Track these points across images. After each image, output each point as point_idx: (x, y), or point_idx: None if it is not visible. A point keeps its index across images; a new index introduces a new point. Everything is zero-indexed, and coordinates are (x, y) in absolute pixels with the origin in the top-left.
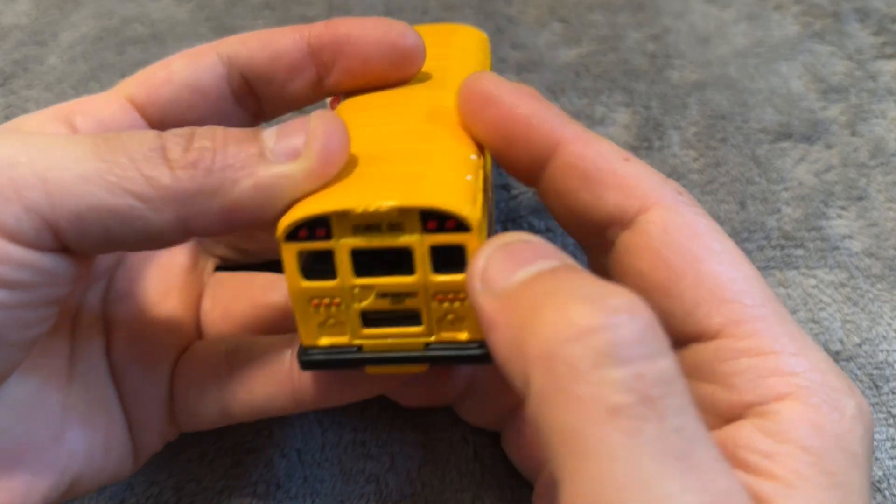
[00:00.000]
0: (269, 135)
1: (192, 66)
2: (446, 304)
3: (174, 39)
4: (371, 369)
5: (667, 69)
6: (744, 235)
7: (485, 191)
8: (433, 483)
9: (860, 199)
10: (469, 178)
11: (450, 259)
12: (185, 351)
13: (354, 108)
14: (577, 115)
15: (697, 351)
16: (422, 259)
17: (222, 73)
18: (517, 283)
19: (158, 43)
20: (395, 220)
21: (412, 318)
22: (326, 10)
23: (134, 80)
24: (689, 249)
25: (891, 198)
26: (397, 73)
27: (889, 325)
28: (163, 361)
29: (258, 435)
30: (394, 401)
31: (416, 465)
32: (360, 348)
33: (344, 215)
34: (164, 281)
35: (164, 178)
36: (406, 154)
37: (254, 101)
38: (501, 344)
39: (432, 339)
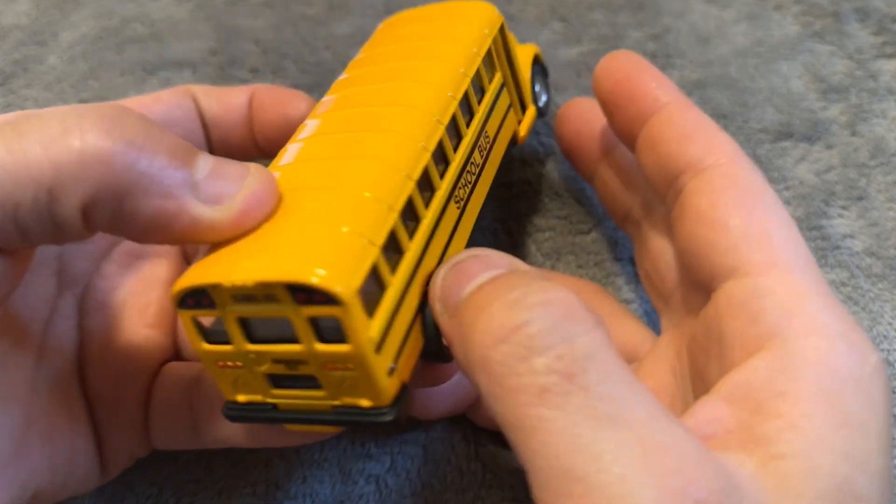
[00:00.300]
0: (205, 164)
1: (165, 104)
2: (338, 373)
3: (174, 39)
4: (289, 426)
5: (667, 69)
6: None
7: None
8: (433, 483)
9: (860, 198)
10: (359, 235)
11: (334, 328)
12: (159, 370)
13: (328, 102)
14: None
15: (733, 286)
16: (303, 329)
17: (193, 108)
18: (463, 299)
19: (158, 42)
20: (268, 293)
21: (314, 381)
22: (326, 9)
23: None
24: (744, 196)
25: (891, 197)
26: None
27: (890, 324)
28: (137, 380)
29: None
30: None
31: (415, 465)
32: (274, 406)
33: (218, 288)
34: (144, 294)
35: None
36: (308, 200)
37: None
38: (458, 357)
39: (336, 402)
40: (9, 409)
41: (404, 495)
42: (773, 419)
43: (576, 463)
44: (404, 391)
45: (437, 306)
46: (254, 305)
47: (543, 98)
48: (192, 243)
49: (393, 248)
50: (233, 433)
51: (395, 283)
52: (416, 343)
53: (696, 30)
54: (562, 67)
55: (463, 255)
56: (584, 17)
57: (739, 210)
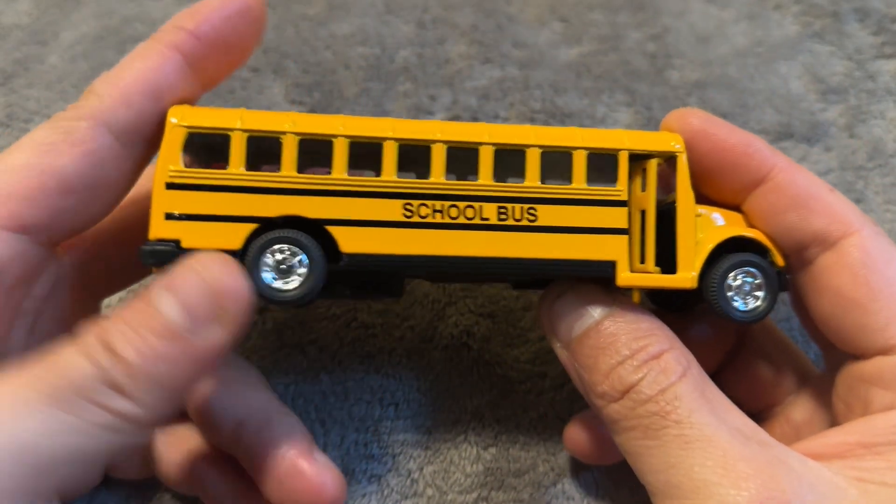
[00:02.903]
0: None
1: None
2: None
3: None
4: None
5: (667, 69)
6: None
7: None
8: (437, 483)
9: (858, 201)
10: None
11: None
12: None
13: None
14: (579, 115)
15: (883, 362)
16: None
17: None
18: (574, 339)
19: None
20: None
21: None
22: (326, 9)
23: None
24: (887, 273)
25: (888, 199)
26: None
27: None
28: None
29: None
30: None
31: (418, 465)
32: None
33: None
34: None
35: (117, 402)
36: None
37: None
38: (578, 385)
39: None
40: None
41: (406, 495)
42: (878, 458)
43: (672, 477)
44: None
45: (546, 329)
46: None
47: (740, 306)
48: None
49: None
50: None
51: None
52: None
53: (695, 30)
54: (562, 68)
55: (566, 287)
56: (584, 16)
57: (882, 288)
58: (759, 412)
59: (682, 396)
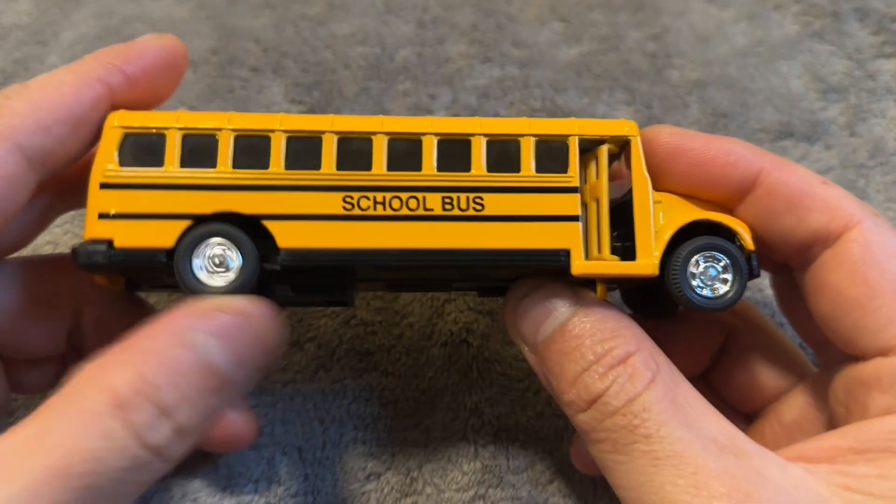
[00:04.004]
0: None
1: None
2: None
3: None
4: None
5: (667, 68)
6: None
7: None
8: (434, 481)
9: (859, 199)
10: None
11: None
12: None
13: None
14: (579, 114)
15: (881, 364)
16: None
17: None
18: (541, 342)
19: None
20: None
21: None
22: (326, 8)
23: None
24: (888, 268)
25: (889, 197)
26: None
27: None
28: None
29: (260, 433)
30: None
31: (417, 463)
32: None
33: None
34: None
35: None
36: None
37: None
38: (548, 390)
39: None
40: None
41: (405, 493)
42: (870, 465)
43: (643, 495)
44: None
45: (512, 333)
46: None
47: (706, 293)
48: None
49: None
50: None
51: None
52: None
53: (695, 30)
54: (562, 68)
55: (527, 288)
56: (584, 16)
57: (884, 286)
58: (752, 413)
59: (651, 407)
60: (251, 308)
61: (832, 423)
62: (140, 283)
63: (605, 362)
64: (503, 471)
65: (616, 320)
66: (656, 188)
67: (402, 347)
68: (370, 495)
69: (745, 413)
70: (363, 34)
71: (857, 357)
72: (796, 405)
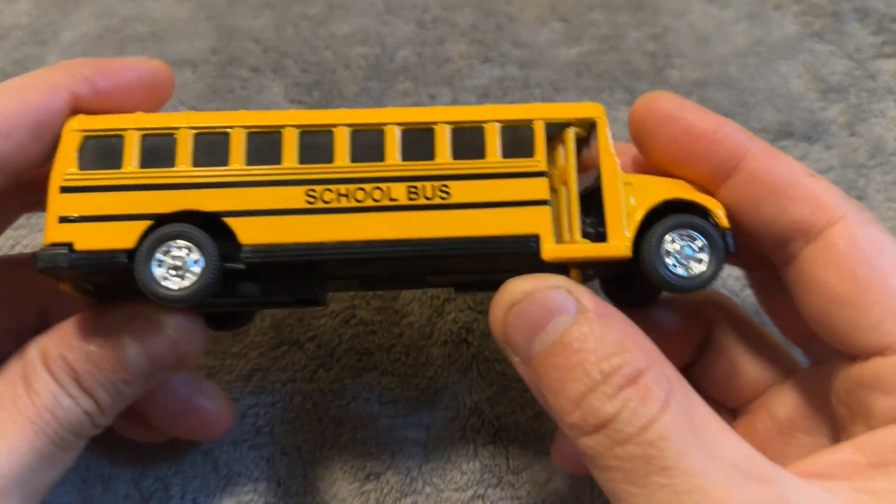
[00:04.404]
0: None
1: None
2: None
3: (175, 38)
4: None
5: (667, 68)
6: None
7: None
8: (434, 481)
9: (859, 198)
10: None
11: None
12: None
13: None
14: None
15: (881, 365)
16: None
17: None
18: (537, 354)
19: (158, 42)
20: None
21: None
22: (326, 8)
23: None
24: (877, 264)
25: (890, 197)
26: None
27: None
28: None
29: (259, 433)
30: None
31: (416, 463)
32: None
33: None
34: None
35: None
36: None
37: None
38: (544, 406)
39: None
40: None
41: (405, 493)
42: (888, 479)
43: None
44: None
45: (500, 342)
46: None
47: (682, 272)
48: None
49: None
50: None
51: None
52: None
53: (695, 30)
54: (562, 68)
55: (519, 291)
56: (584, 16)
57: (873, 282)
58: (736, 407)
59: (669, 434)
60: (177, 324)
61: (834, 423)
62: (107, 293)
63: (614, 382)
64: (502, 470)
65: (621, 328)
66: (645, 157)
67: (402, 347)
68: (370, 495)
69: (729, 407)
70: (363, 34)
71: (854, 356)
72: (790, 402)
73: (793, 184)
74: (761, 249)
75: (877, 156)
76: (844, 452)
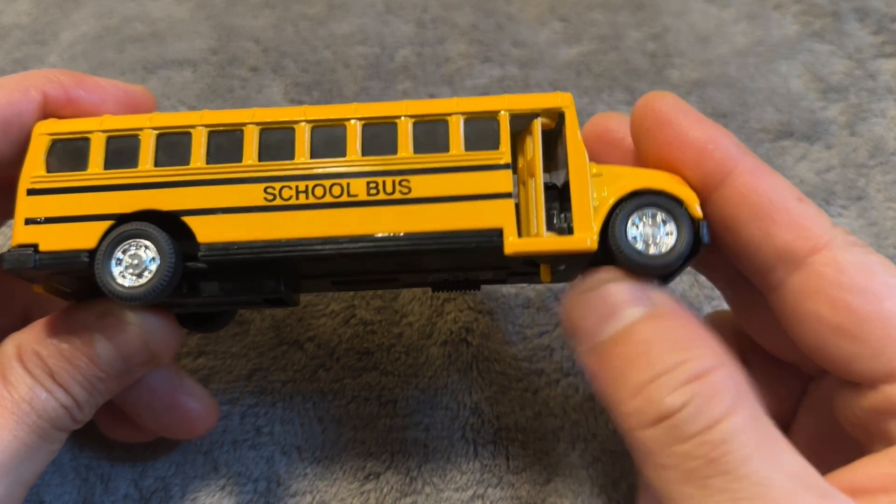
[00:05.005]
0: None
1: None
2: None
3: (174, 38)
4: None
5: (667, 68)
6: None
7: None
8: (433, 481)
9: (860, 198)
10: None
11: None
12: None
13: None
14: (579, 113)
15: (891, 392)
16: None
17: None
18: (605, 341)
19: (159, 41)
20: None
21: None
22: (326, 8)
23: None
24: (870, 289)
25: (890, 197)
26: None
27: None
28: None
29: (259, 432)
30: None
31: (416, 463)
32: None
33: None
34: None
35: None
36: None
37: None
38: (601, 397)
39: None
40: None
41: (405, 493)
42: None
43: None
44: None
45: (568, 328)
46: None
47: (652, 251)
48: None
49: None
50: None
51: None
52: None
53: (695, 29)
54: (561, 67)
55: (596, 280)
56: (584, 16)
57: (868, 310)
58: None
59: (734, 438)
60: (145, 322)
61: (851, 447)
62: (86, 295)
63: (678, 375)
64: (502, 470)
65: (693, 329)
66: (639, 156)
67: (402, 347)
68: (369, 495)
69: None
70: (363, 34)
71: (856, 382)
72: (804, 420)
73: (778, 208)
74: (745, 272)
75: (877, 155)
76: (879, 465)
